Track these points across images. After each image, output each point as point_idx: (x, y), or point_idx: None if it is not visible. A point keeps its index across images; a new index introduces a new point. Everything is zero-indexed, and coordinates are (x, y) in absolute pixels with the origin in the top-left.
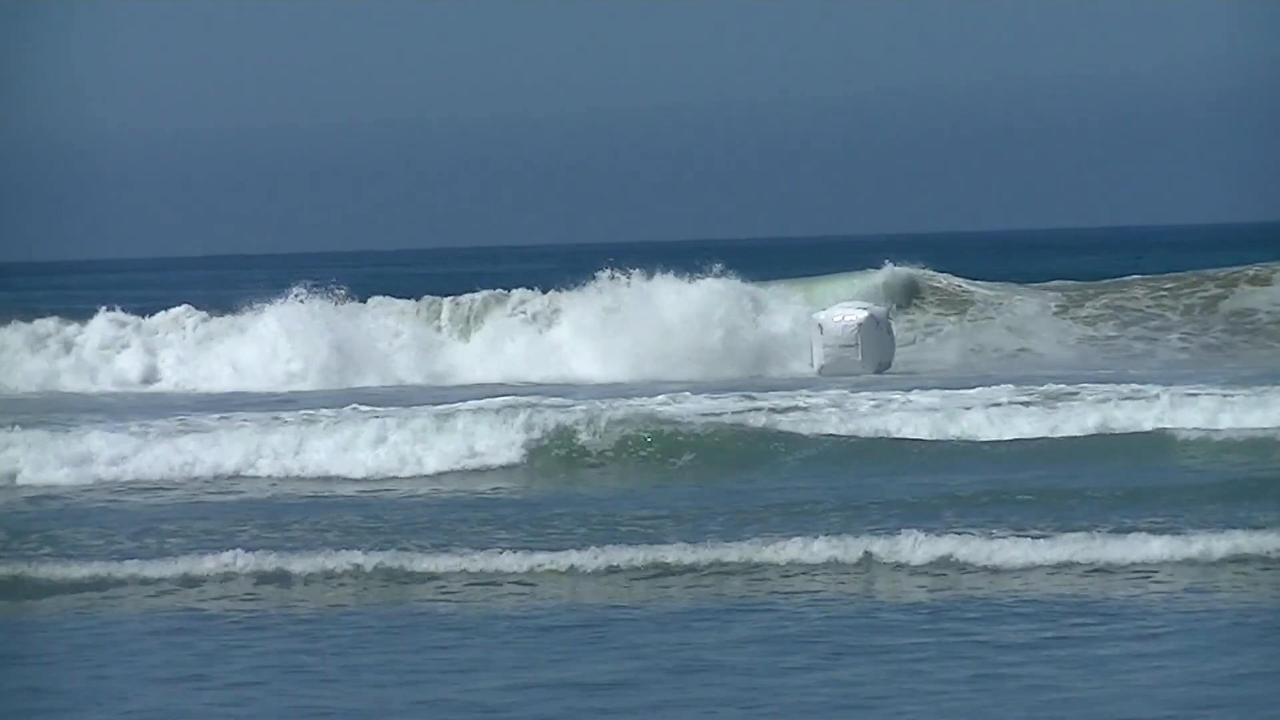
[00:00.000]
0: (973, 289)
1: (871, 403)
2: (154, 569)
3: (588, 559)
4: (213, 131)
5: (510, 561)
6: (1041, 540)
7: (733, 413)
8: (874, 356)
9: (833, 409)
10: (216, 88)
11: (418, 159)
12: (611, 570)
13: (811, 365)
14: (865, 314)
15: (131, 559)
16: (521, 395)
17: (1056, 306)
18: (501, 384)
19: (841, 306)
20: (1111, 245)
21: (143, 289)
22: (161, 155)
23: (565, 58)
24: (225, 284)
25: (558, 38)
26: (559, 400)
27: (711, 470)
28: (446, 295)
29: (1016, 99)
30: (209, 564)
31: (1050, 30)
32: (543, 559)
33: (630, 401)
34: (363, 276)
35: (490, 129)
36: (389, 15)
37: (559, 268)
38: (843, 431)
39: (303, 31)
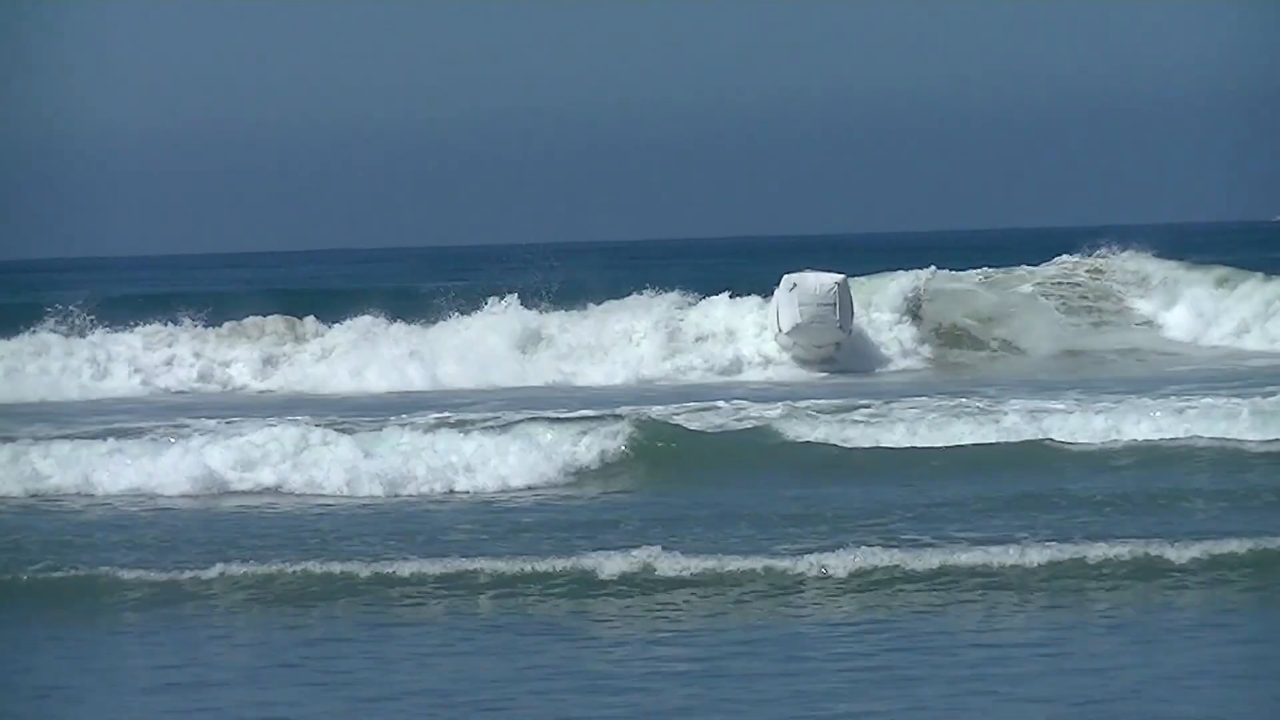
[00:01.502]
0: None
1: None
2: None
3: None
4: (210, 127)
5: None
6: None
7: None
8: (848, 319)
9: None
10: (214, 83)
11: (418, 156)
12: None
13: (779, 328)
14: (841, 276)
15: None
16: None
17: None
18: None
19: (811, 271)
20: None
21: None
22: (160, 151)
23: (555, 54)
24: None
25: (549, 33)
26: None
27: None
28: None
29: (1011, 96)
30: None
31: (1045, 29)
32: None
33: None
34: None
35: (501, 124)
36: (387, 11)
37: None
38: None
39: (304, 26)
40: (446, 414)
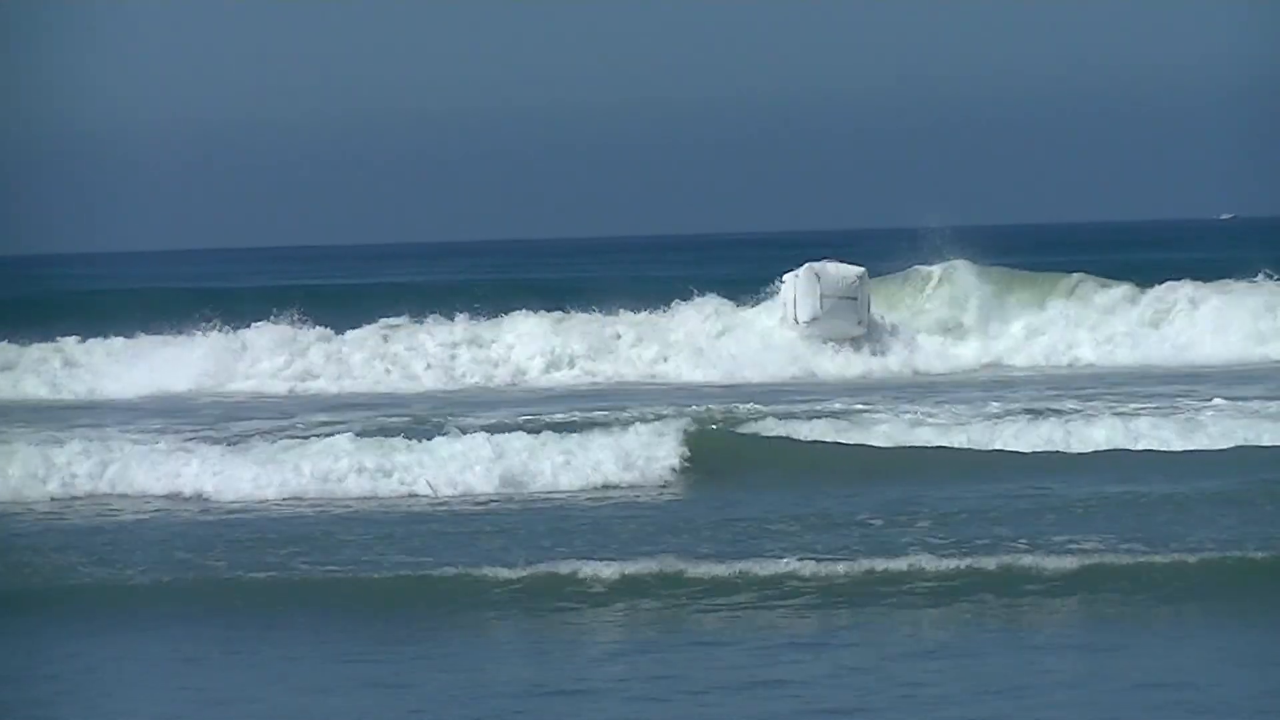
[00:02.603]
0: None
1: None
2: None
3: None
4: (212, 123)
5: None
6: None
7: None
8: (865, 313)
9: None
10: (220, 80)
11: (421, 151)
12: None
13: (796, 318)
14: (862, 269)
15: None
16: None
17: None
18: None
19: (832, 261)
20: (1120, 241)
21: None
22: (167, 146)
23: (559, 50)
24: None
25: (552, 29)
26: None
27: None
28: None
29: (1017, 94)
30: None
31: (1051, 26)
32: None
33: None
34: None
35: (508, 120)
36: (393, 6)
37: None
38: None
39: (313, 23)
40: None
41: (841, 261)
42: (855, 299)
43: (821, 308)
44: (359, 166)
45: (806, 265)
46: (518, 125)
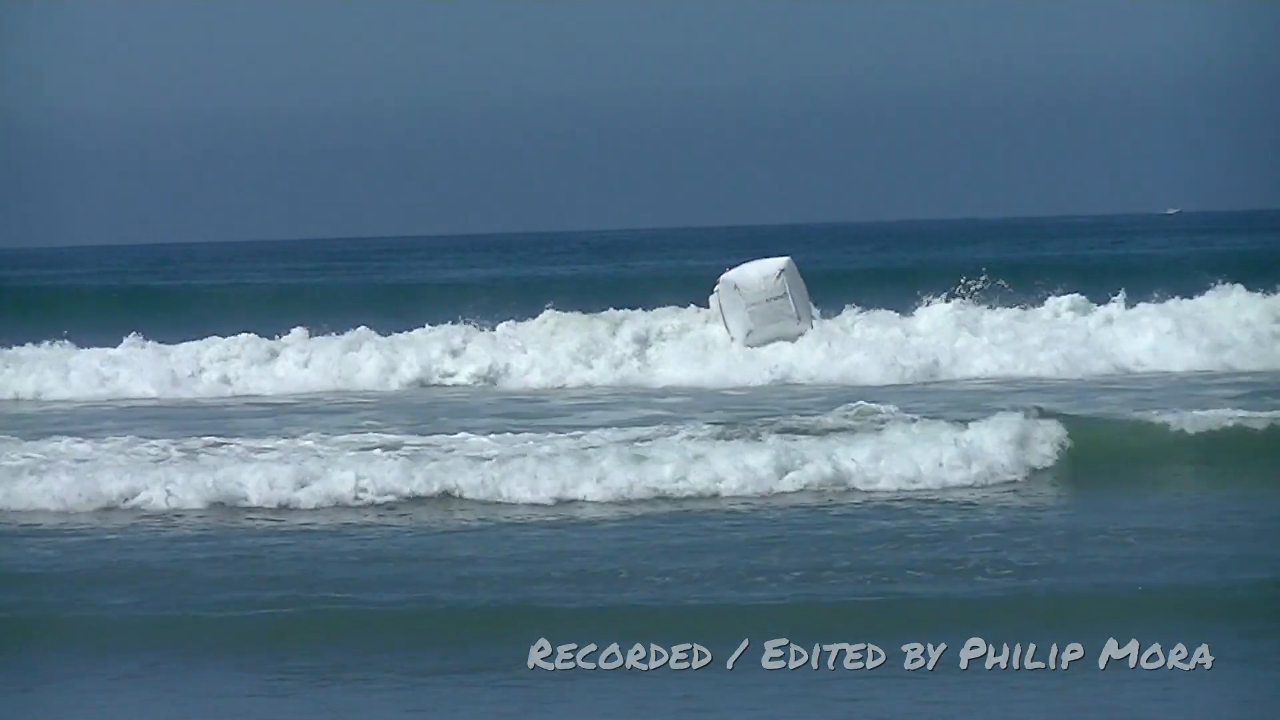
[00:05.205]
0: None
1: None
2: None
3: None
4: (177, 113)
5: None
6: None
7: None
8: (804, 308)
9: None
10: (182, 69)
11: (393, 142)
12: None
13: (732, 336)
14: (785, 259)
15: None
16: None
17: None
18: None
19: (749, 264)
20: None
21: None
22: (125, 138)
23: (551, 41)
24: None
25: (548, 21)
26: None
27: None
28: None
29: (962, 90)
30: None
31: (993, 21)
32: None
33: None
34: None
35: (467, 112)
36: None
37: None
38: None
39: (274, 11)
40: None
41: (766, 256)
42: (784, 296)
43: (752, 321)
44: (326, 158)
45: (724, 277)
46: (488, 115)
